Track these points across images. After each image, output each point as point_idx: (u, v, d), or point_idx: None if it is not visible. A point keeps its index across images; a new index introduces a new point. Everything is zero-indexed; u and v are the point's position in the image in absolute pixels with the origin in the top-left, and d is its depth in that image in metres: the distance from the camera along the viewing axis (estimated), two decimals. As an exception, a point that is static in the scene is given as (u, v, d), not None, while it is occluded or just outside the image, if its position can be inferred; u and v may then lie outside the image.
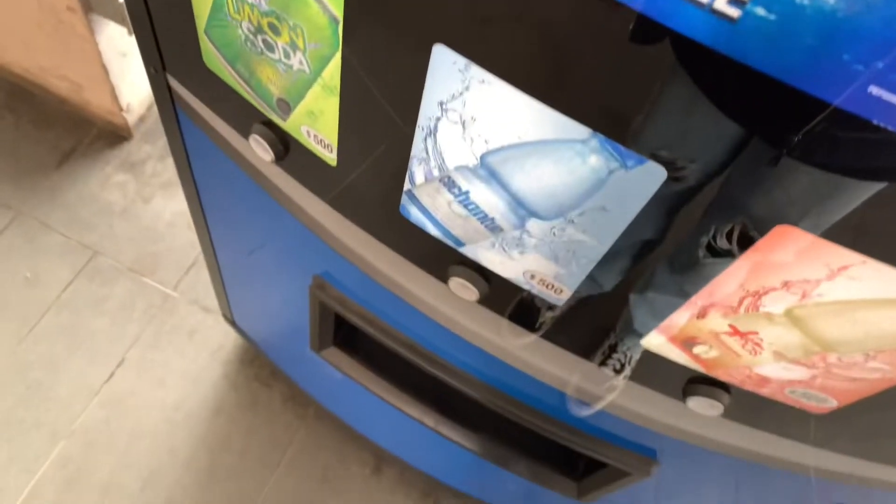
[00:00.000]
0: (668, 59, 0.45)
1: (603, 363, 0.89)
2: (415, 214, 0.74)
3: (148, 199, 2.16)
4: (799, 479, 0.96)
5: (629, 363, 0.87)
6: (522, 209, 0.63)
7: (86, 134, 2.23)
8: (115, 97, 2.06)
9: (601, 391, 0.91)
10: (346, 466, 1.86)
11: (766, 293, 0.57)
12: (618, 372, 0.88)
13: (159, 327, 1.97)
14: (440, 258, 0.80)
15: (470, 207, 0.67)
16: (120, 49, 1.95)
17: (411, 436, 1.56)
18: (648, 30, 0.43)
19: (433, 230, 0.75)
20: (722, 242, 0.58)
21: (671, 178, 0.60)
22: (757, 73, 0.40)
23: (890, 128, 0.40)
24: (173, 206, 2.15)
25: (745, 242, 0.56)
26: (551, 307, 0.91)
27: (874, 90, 0.38)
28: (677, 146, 0.57)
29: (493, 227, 0.68)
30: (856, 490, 0.96)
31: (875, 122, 0.40)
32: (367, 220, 0.87)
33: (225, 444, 1.85)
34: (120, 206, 2.13)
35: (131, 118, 2.18)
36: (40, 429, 1.80)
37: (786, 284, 0.55)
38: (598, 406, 0.94)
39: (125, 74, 2.02)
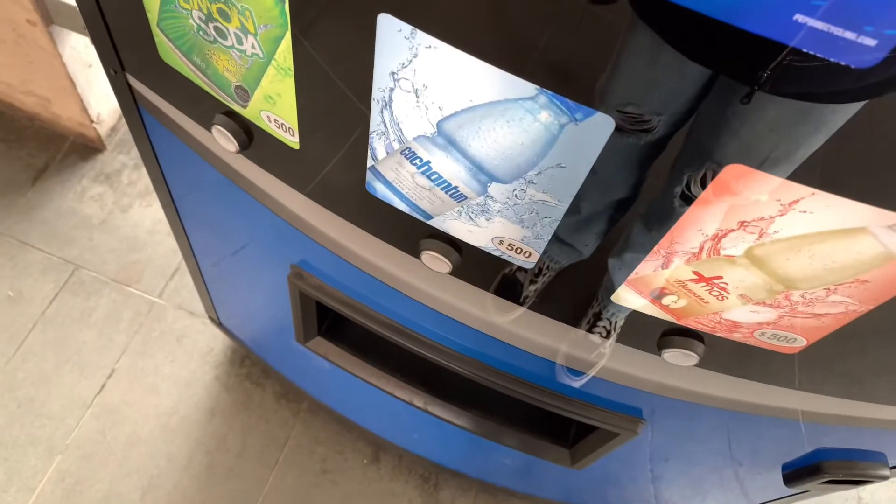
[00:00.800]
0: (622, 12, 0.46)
1: (589, 331, 0.90)
2: (381, 190, 0.75)
3: (126, 209, 2.15)
4: (787, 424, 0.98)
5: (615, 329, 0.88)
6: (483, 174, 0.64)
7: (58, 148, 2.22)
8: (84, 109, 2.05)
9: (589, 358, 0.92)
10: (344, 458, 1.87)
11: (724, 236, 0.58)
12: (605, 338, 0.89)
13: (147, 335, 1.97)
14: (411, 233, 0.81)
15: (433, 178, 0.68)
16: (85, 60, 1.94)
17: (406, 421, 1.58)
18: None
19: (400, 205, 0.75)
20: (696, 190, 0.59)
21: (640, 131, 0.61)
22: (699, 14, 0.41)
23: (819, 55, 0.41)
24: (152, 213, 2.15)
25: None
26: (534, 280, 0.92)
27: (799, 17, 0.39)
28: (644, 98, 0.58)
29: (457, 196, 0.69)
30: (843, 431, 0.98)
31: (805, 49, 0.41)
32: (336, 203, 0.87)
33: (222, 446, 1.85)
34: (98, 218, 2.13)
35: (103, 129, 2.17)
36: (36, 445, 1.80)
37: (742, 224, 0.56)
38: (589, 374, 0.96)
39: (92, 85, 2.01)
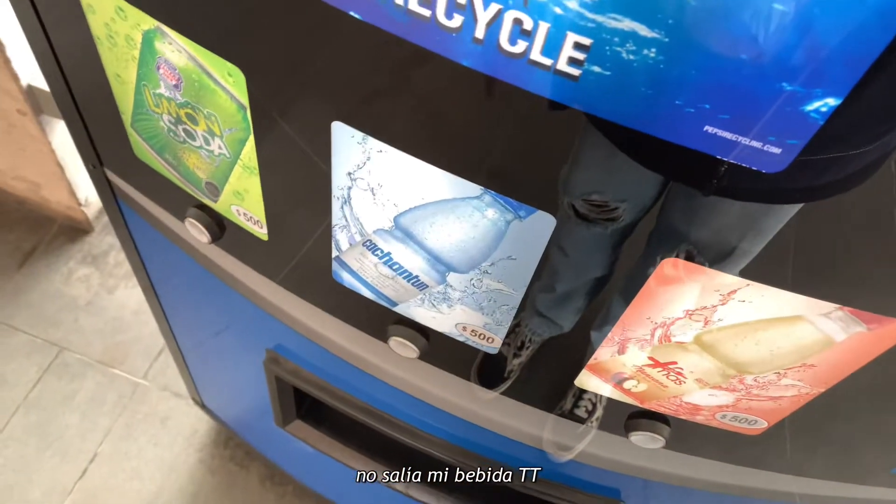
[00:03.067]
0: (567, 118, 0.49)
1: (574, 406, 0.90)
2: (347, 279, 0.77)
3: (112, 290, 2.17)
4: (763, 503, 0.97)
5: (600, 402, 0.89)
6: (441, 264, 0.66)
7: (46, 231, 2.24)
8: (72, 193, 2.09)
9: (575, 438, 0.92)
10: (329, 541, 1.83)
11: (672, 323, 0.60)
12: (590, 413, 0.89)
13: (131, 417, 1.95)
14: (378, 319, 0.82)
15: (395, 267, 0.70)
16: (73, 146, 1.98)
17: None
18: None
19: (366, 292, 0.77)
20: None
21: (606, 220, 0.63)
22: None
23: (731, 160, 0.43)
24: (138, 294, 2.16)
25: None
26: (517, 354, 0.92)
27: (709, 129, 0.42)
28: (607, 187, 0.60)
29: (418, 284, 0.71)
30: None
31: (718, 156, 0.43)
32: (306, 290, 0.89)
33: (204, 531, 1.82)
34: (84, 300, 2.14)
35: (90, 211, 2.21)
36: (13, 535, 1.76)
37: (688, 313, 0.58)
38: (577, 450, 0.95)
39: (81, 170, 2.06)
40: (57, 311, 2.10)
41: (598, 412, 0.89)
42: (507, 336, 0.91)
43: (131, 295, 2.16)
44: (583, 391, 0.89)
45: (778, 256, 0.56)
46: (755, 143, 0.41)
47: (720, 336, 0.59)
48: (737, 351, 0.61)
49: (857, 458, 0.86)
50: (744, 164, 0.43)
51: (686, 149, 0.45)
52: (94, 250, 2.24)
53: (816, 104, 0.38)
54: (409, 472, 1.28)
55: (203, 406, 1.83)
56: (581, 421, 0.89)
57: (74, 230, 2.25)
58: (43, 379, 1.98)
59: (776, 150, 0.41)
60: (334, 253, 0.74)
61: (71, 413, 1.94)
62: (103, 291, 2.16)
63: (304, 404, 1.30)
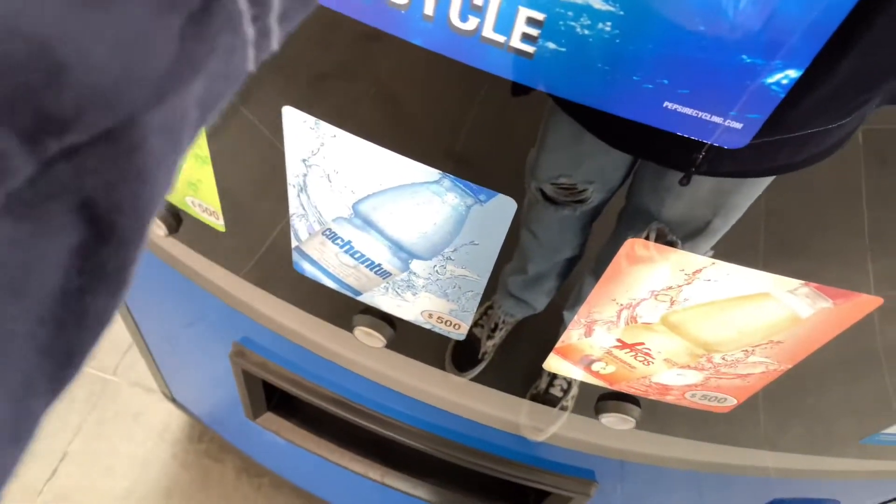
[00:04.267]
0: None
1: (549, 386, 0.89)
2: (308, 269, 0.75)
3: (78, 286, 2.11)
4: (739, 478, 0.98)
5: (574, 381, 0.88)
6: (403, 252, 0.65)
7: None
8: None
9: (550, 418, 0.92)
10: (308, 532, 1.81)
11: (638, 304, 0.59)
12: (565, 392, 0.89)
13: (102, 414, 1.92)
14: (343, 309, 0.80)
15: (356, 256, 0.68)
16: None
17: (368, 493, 1.54)
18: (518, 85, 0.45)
19: (329, 282, 0.75)
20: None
21: (575, 202, 0.62)
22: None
23: (693, 137, 0.42)
24: (105, 289, 2.11)
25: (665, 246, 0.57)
26: (491, 335, 0.91)
27: (668, 105, 0.40)
28: (574, 170, 0.59)
29: (381, 273, 0.69)
30: (795, 481, 0.98)
31: (678, 133, 0.42)
32: (268, 282, 0.87)
33: (180, 527, 1.79)
34: (49, 297, 2.08)
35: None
36: (-18, 539, 1.72)
37: (653, 294, 0.57)
38: (552, 430, 0.94)
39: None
40: (20, 309, 2.05)
41: (574, 390, 0.88)
42: (479, 318, 0.91)
43: (97, 290, 2.11)
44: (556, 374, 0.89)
45: (743, 234, 0.55)
46: (716, 119, 0.40)
47: (686, 316, 0.59)
48: (704, 330, 0.60)
49: (828, 431, 0.87)
50: (705, 141, 0.42)
51: (659, 130, 0.44)
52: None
53: (777, 76, 0.37)
54: (383, 461, 1.27)
55: (174, 401, 1.80)
56: (556, 400, 0.89)
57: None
58: (8, 379, 1.93)
59: (737, 126, 0.40)
60: (294, 243, 0.72)
61: (38, 413, 1.89)
62: (68, 287, 2.11)
63: (273, 396, 1.28)
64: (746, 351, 0.61)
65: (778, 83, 0.37)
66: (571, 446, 0.94)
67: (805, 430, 0.86)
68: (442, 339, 0.89)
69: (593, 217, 0.66)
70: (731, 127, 0.40)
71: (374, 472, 1.27)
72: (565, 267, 0.77)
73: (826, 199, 0.54)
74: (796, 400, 0.77)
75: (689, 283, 0.55)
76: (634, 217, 0.61)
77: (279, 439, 1.35)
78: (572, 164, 0.58)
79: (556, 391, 0.89)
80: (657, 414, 0.81)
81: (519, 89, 0.46)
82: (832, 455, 0.91)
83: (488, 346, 0.91)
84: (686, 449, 0.89)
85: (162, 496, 1.83)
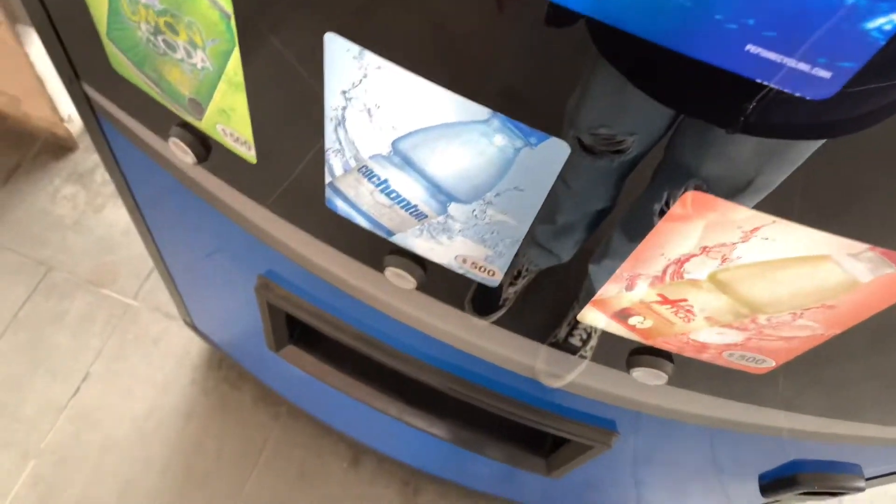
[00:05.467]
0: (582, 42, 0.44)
1: (569, 335, 0.88)
2: (341, 207, 0.73)
3: (99, 209, 2.12)
4: (762, 438, 0.97)
5: (595, 332, 0.87)
6: (442, 194, 0.62)
7: (29, 148, 2.17)
8: (54, 108, 2.01)
9: (569, 366, 0.91)
10: (323, 461, 1.85)
11: (687, 260, 0.56)
12: (584, 342, 0.88)
13: (122, 337, 1.94)
14: (374, 249, 0.78)
15: (392, 196, 0.66)
16: (55, 58, 1.89)
17: (384, 427, 1.56)
18: (558, 13, 0.41)
19: (362, 221, 0.73)
20: None
21: (614, 152, 0.59)
22: (670, 52, 0.39)
23: (774, 85, 0.39)
24: (126, 214, 2.11)
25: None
26: (513, 282, 0.90)
27: (751, 48, 0.37)
28: (615, 121, 0.56)
29: (417, 214, 0.67)
30: (819, 444, 0.97)
31: (758, 80, 0.39)
32: (298, 217, 0.85)
33: (199, 450, 1.83)
34: (71, 219, 2.09)
35: (74, 128, 2.13)
36: (9, 449, 1.77)
37: (705, 250, 0.55)
38: (569, 378, 0.94)
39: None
40: (43, 229, 2.06)
41: (593, 342, 0.87)
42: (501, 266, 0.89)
43: (119, 215, 2.11)
44: (578, 320, 0.87)
45: (800, 190, 0.52)
46: (802, 66, 0.37)
47: (737, 274, 0.56)
48: (753, 290, 0.57)
49: (853, 396, 0.85)
50: (786, 90, 0.38)
51: (708, 82, 0.41)
52: (80, 168, 2.18)
53: (880, 21, 0.33)
54: (402, 398, 1.27)
55: (195, 328, 1.81)
56: (575, 350, 0.88)
57: (59, 147, 2.18)
58: (31, 298, 1.96)
59: (825, 74, 0.36)
60: (328, 179, 0.70)
61: (61, 333, 1.92)
62: (90, 211, 2.11)
63: (296, 330, 1.28)
64: (795, 314, 0.59)
65: (879, 29, 0.34)
66: (595, 396, 0.93)
67: (830, 393, 0.85)
68: (470, 284, 0.87)
69: (630, 169, 0.63)
70: (817, 76, 0.37)
71: (393, 409, 1.27)
72: (595, 219, 0.75)
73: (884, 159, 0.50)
74: (825, 363, 0.75)
75: (744, 241, 0.52)
76: (671, 173, 0.59)
77: (299, 372, 1.35)
78: (614, 114, 0.55)
79: (575, 340, 0.88)
80: (687, 370, 0.79)
81: (554, 18, 0.43)
82: (856, 420, 0.90)
83: (510, 292, 0.90)
84: (710, 405, 0.88)
85: (181, 419, 1.86)
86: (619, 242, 0.75)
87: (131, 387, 1.88)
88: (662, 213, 0.57)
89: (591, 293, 0.84)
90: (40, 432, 1.80)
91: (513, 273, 0.90)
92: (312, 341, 1.30)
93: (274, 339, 1.24)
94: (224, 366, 1.94)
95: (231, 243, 1.06)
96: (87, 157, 2.18)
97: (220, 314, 1.58)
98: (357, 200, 0.70)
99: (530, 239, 0.78)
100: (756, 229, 0.50)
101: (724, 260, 0.55)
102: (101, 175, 2.17)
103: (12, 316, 1.93)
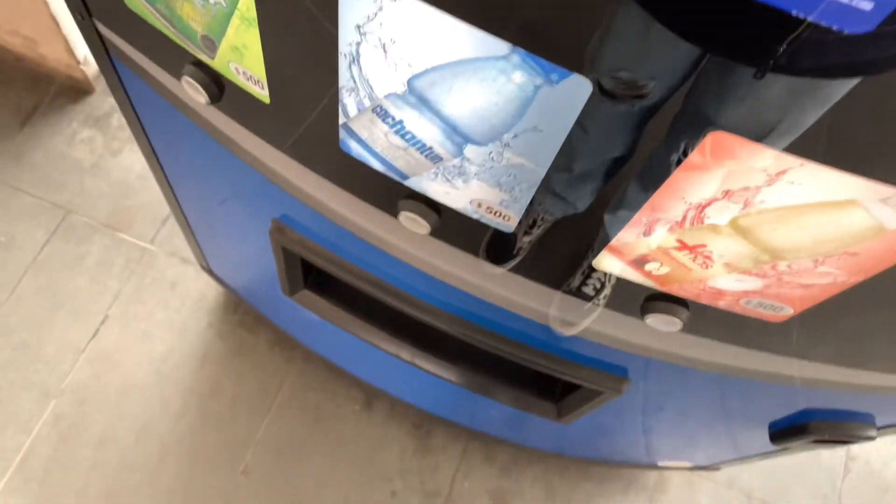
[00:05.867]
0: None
1: (582, 284, 0.88)
2: (355, 149, 0.72)
3: (116, 153, 2.12)
4: (774, 386, 0.97)
5: (609, 281, 0.86)
6: (457, 135, 0.61)
7: (46, 91, 2.16)
8: (70, 50, 1.99)
9: (581, 314, 0.91)
10: (336, 405, 1.88)
11: (708, 205, 0.55)
12: (598, 292, 0.87)
13: (140, 281, 1.96)
14: (388, 193, 0.78)
15: (406, 137, 0.65)
16: (67, -2, 1.87)
17: (397, 371, 1.58)
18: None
19: (376, 164, 0.72)
20: None
21: (634, 97, 0.58)
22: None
23: (811, 20, 0.37)
24: (143, 158, 2.11)
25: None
26: (528, 231, 0.89)
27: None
28: (637, 65, 0.54)
29: (432, 157, 0.66)
30: (831, 393, 0.97)
31: (797, 14, 0.37)
32: (312, 160, 0.84)
33: (215, 393, 1.87)
34: (89, 163, 2.09)
35: (90, 71, 2.11)
36: (31, 389, 1.81)
37: (727, 194, 0.53)
38: (582, 326, 0.93)
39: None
40: (61, 173, 2.06)
41: (607, 290, 0.87)
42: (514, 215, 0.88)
43: (136, 159, 2.11)
44: (592, 269, 0.87)
45: (828, 132, 0.50)
46: (841, -3, 0.35)
47: (759, 220, 0.55)
48: (774, 236, 0.56)
49: (868, 344, 0.84)
50: (824, 24, 0.36)
51: (740, 17, 0.39)
52: (97, 112, 2.17)
53: (926, -53, 0.31)
54: (414, 343, 1.28)
55: (211, 273, 1.83)
56: (588, 299, 0.87)
57: (75, 90, 2.17)
58: (50, 241, 1.98)
59: (866, 6, 0.35)
60: (341, 119, 0.69)
61: (80, 276, 1.94)
62: (107, 154, 2.11)
63: (311, 274, 1.28)
64: (816, 260, 0.58)
65: (924, -44, 0.32)
66: (608, 343, 0.93)
67: (845, 341, 0.84)
68: (484, 230, 0.86)
69: (649, 116, 0.62)
70: (858, 7, 0.35)
71: (405, 353, 1.28)
72: (613, 167, 0.73)
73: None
74: (844, 311, 0.74)
75: (769, 185, 0.51)
76: (690, 121, 0.57)
77: (313, 316, 1.36)
78: (636, 57, 0.53)
79: (588, 290, 0.87)
80: (701, 317, 0.79)
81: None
82: (870, 369, 0.89)
83: (524, 241, 0.89)
84: (723, 353, 0.87)
85: (197, 362, 1.89)
86: (634, 192, 0.74)
87: (149, 330, 1.91)
88: (679, 162, 0.55)
89: (605, 242, 0.83)
90: (61, 373, 1.84)
91: (528, 222, 0.89)
92: (327, 286, 1.30)
93: (289, 284, 1.25)
94: (240, 310, 1.96)
95: (245, 187, 1.05)
96: (104, 101, 2.17)
97: (235, 259, 1.59)
98: (371, 142, 0.69)
99: (546, 187, 0.77)
100: (782, 173, 0.49)
101: (746, 205, 0.54)
102: (118, 119, 2.16)
103: (32, 258, 1.95)
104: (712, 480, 1.88)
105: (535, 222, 0.89)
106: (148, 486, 1.75)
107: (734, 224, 0.57)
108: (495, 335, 1.04)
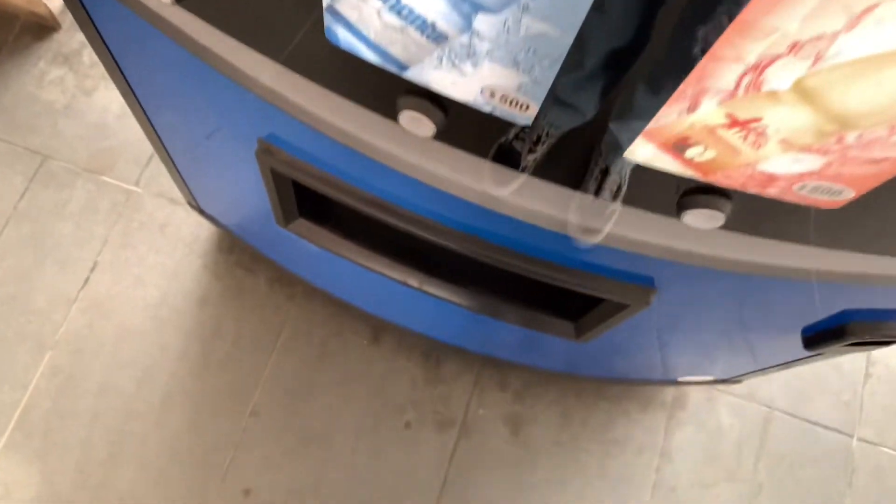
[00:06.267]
0: None
1: (599, 189, 0.81)
2: (343, 37, 0.62)
3: (90, 92, 2.00)
4: (811, 286, 0.90)
5: (625, 181, 0.80)
6: (465, 2, 0.51)
7: (9, 30, 2.02)
8: (28, -19, 1.85)
9: (600, 219, 0.83)
10: (343, 340, 1.82)
11: (770, 63, 0.46)
12: (615, 195, 0.81)
13: (127, 225, 1.87)
14: (385, 90, 0.68)
15: (403, 13, 0.55)
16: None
17: (403, 300, 1.51)
18: None
19: (368, 54, 0.63)
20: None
21: None
22: None
23: None
24: (119, 96, 1.99)
25: None
26: (532, 149, 0.82)
27: None
28: None
29: (435, 36, 0.56)
30: (873, 291, 0.91)
31: None
32: (296, 61, 0.74)
33: (216, 334, 1.81)
34: (61, 104, 1.97)
35: (54, 5, 1.97)
36: (24, 342, 1.75)
37: (794, 47, 0.45)
38: (605, 231, 0.86)
39: (32, -48, 1.81)
40: (33, 116, 1.95)
41: (624, 190, 0.81)
42: (520, 130, 0.80)
43: (112, 97, 1.99)
44: (607, 169, 0.81)
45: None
46: None
47: (830, 78, 0.46)
48: (846, 98, 0.48)
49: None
50: None
51: None
52: (65, 49, 2.04)
53: None
54: (422, 268, 1.20)
55: (201, 211, 1.74)
56: (604, 203, 0.81)
57: (40, 27, 2.03)
58: (30, 189, 1.88)
59: None
60: (325, 1, 0.59)
61: (64, 222, 1.86)
62: (80, 94, 1.99)
63: (306, 201, 1.19)
64: (893, 126, 0.49)
65: None
66: (635, 249, 0.85)
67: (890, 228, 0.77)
68: (494, 129, 0.78)
69: None
70: None
71: (413, 279, 1.21)
72: (623, 60, 0.69)
73: None
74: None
75: (849, 29, 0.42)
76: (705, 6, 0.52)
77: (312, 247, 1.28)
78: None
79: (605, 194, 0.81)
80: (740, 210, 0.71)
81: None
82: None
83: (528, 160, 0.83)
84: (764, 251, 0.80)
85: (195, 305, 1.83)
86: (643, 95, 0.70)
87: (141, 275, 1.84)
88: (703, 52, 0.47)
89: (614, 144, 0.76)
90: (53, 324, 1.77)
91: (532, 139, 0.82)
92: (324, 213, 1.22)
93: (282, 214, 1.16)
94: (236, 249, 1.89)
95: (227, 106, 0.96)
96: (71, 37, 2.04)
97: (225, 194, 1.50)
98: (361, 26, 0.59)
99: (551, 97, 0.72)
100: (868, 10, 0.40)
101: (817, 60, 0.45)
102: (89, 55, 2.03)
103: (12, 208, 1.86)
104: (732, 394, 1.84)
105: (539, 139, 0.82)
106: (154, 432, 1.71)
107: (798, 87, 0.48)
108: (510, 252, 0.96)
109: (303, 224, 1.21)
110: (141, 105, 1.18)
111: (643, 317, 1.02)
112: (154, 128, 1.26)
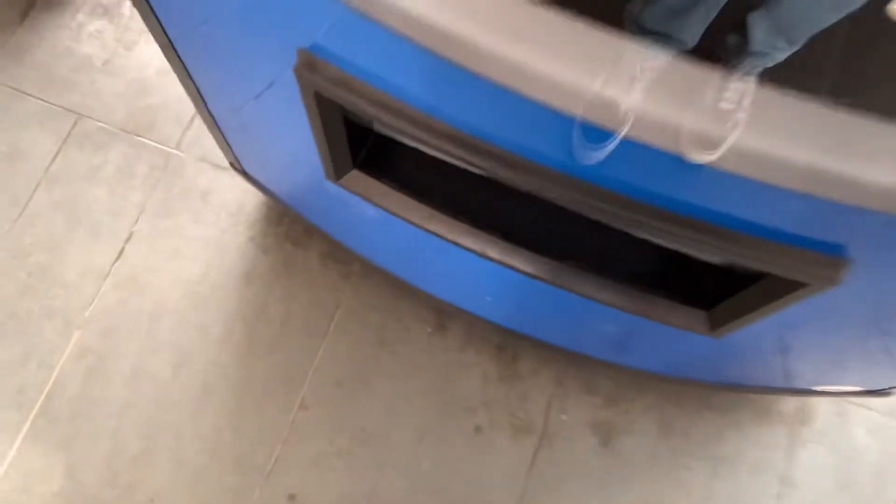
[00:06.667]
0: None
1: (718, 100, 0.66)
2: None
3: (130, 47, 1.81)
4: None
5: (750, 90, 0.65)
6: None
7: (46, -21, 1.86)
8: (63, -81, 1.66)
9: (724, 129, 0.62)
10: (404, 326, 1.59)
11: None
12: (737, 106, 0.65)
13: (167, 192, 1.68)
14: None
15: None
16: None
17: (476, 280, 1.26)
18: None
19: None
20: None
21: None
22: None
23: None
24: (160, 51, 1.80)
25: None
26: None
27: None
28: None
29: None
30: None
31: None
32: None
33: (262, 315, 1.60)
34: (100, 59, 1.80)
35: (93, -52, 1.79)
36: (52, 318, 1.57)
37: None
38: (725, 145, 0.63)
39: None
40: (69, 72, 1.77)
41: (749, 98, 0.65)
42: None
43: (154, 52, 1.78)
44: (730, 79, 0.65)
45: None
46: None
47: None
48: None
49: None
50: None
51: None
52: (105, 0, 1.85)
53: None
54: (503, 233, 0.94)
55: (246, 175, 1.52)
56: (727, 115, 0.65)
57: (79, -24, 1.86)
58: (62, 150, 1.70)
59: None
60: None
61: (98, 188, 1.67)
62: (120, 48, 1.81)
63: (360, 148, 0.95)
64: None
65: None
66: (816, 190, 0.57)
67: None
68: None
69: None
70: None
71: (493, 249, 0.94)
72: None
73: None
74: None
75: None
76: None
77: (369, 212, 1.04)
78: None
79: (725, 104, 0.65)
80: None
81: None
82: None
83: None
84: None
85: (239, 281, 1.62)
86: None
87: (181, 247, 1.64)
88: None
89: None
90: (83, 299, 1.59)
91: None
92: (383, 165, 0.97)
93: (332, 162, 0.92)
94: (285, 221, 1.67)
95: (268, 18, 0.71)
96: (113, -13, 1.86)
97: (271, 150, 1.28)
98: None
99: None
100: None
101: None
102: (130, 7, 1.84)
103: (43, 171, 1.68)
104: (869, 407, 1.53)
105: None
106: (190, 425, 1.51)
107: None
108: (622, 199, 0.68)
109: (358, 177, 0.97)
110: (181, 60, 0.99)
111: (817, 303, 0.73)
112: (196, 85, 1.06)
